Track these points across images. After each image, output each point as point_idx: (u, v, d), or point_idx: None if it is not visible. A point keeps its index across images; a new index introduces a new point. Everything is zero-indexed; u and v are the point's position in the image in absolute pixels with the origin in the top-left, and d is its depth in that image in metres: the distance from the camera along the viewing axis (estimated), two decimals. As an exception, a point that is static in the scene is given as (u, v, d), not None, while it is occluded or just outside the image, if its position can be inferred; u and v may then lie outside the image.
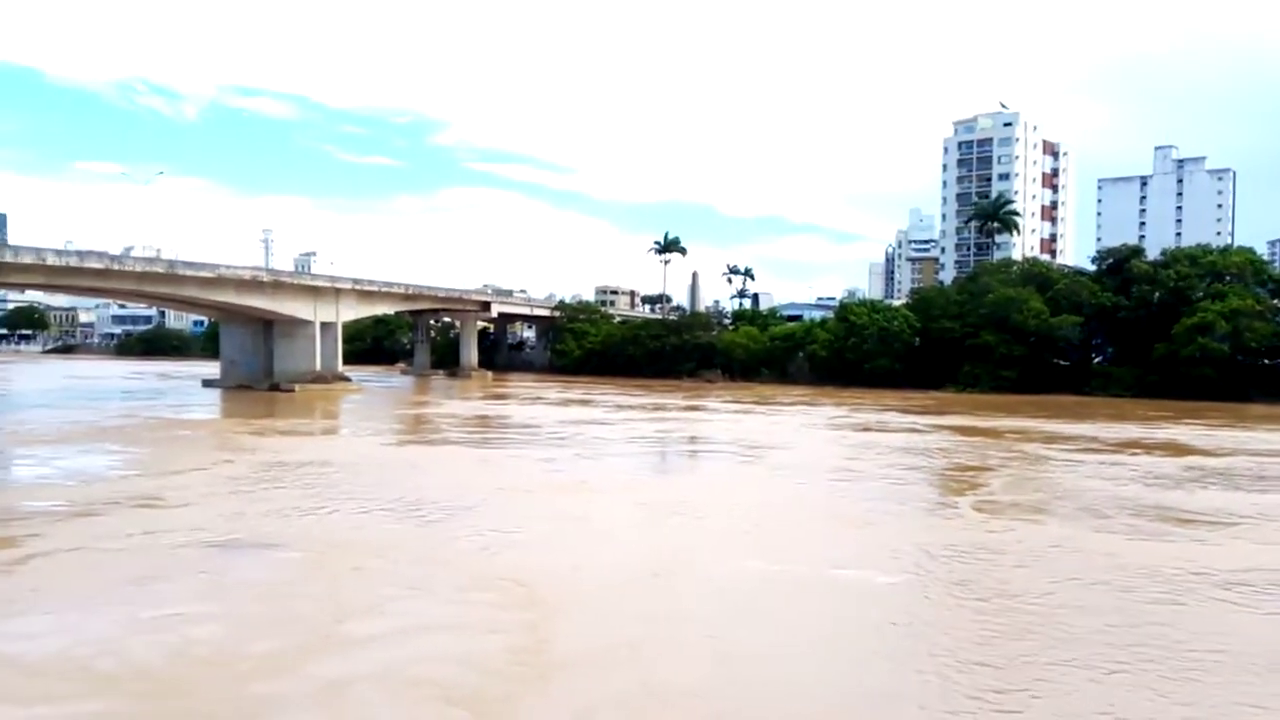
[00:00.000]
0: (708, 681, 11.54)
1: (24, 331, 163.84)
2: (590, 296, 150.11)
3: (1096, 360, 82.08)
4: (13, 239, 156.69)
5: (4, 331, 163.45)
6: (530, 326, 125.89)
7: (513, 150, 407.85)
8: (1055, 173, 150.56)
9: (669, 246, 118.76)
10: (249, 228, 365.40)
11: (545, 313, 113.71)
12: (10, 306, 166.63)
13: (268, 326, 70.12)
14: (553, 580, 16.26)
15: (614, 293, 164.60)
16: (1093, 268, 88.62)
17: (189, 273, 60.23)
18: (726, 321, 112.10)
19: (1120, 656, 12.63)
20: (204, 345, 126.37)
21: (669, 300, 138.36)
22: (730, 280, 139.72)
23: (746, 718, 10.56)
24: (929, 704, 11.01)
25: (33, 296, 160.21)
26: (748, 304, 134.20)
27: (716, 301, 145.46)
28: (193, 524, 20.34)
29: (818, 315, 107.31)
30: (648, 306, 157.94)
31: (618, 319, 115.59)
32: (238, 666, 12.00)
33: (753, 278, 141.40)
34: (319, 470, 29.32)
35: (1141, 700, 11.27)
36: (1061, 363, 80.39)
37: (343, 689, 11.24)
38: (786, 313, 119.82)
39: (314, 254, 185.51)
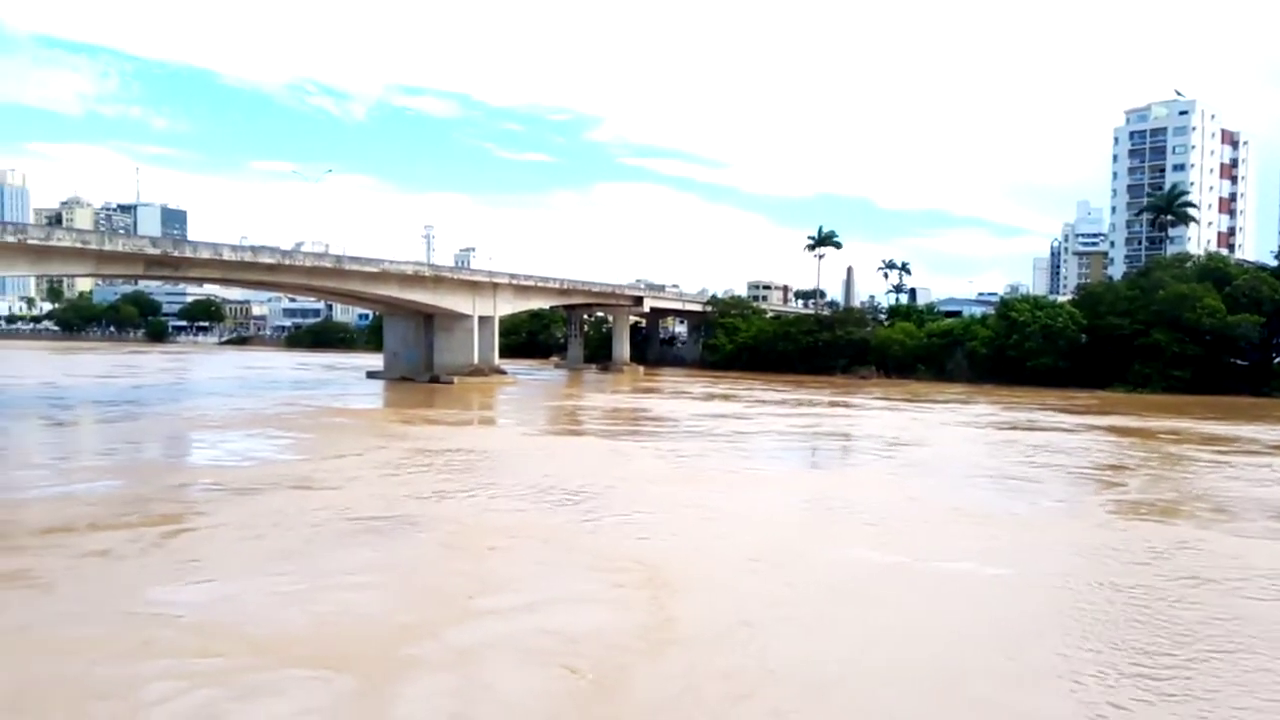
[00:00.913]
0: (809, 660, 12.41)
1: (202, 324, 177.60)
2: (742, 291, 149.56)
3: (1278, 361, 75.83)
4: (191, 235, 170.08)
5: (184, 323, 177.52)
6: (682, 321, 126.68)
7: (666, 145, 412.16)
8: (1234, 163, 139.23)
9: (823, 241, 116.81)
10: (411, 223, 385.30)
11: (697, 308, 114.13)
12: (190, 299, 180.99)
13: (428, 320, 73.45)
14: (674, 562, 17.06)
15: (766, 288, 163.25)
16: (1275, 263, 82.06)
17: (354, 268, 63.76)
18: (882, 317, 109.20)
19: (1207, 652, 12.73)
20: (368, 338, 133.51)
21: (823, 295, 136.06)
22: (886, 275, 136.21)
23: (840, 694, 11.47)
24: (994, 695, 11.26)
25: (210, 290, 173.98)
26: (904, 299, 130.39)
27: (872, 297, 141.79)
28: (343, 504, 21.82)
29: (978, 311, 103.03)
30: (800, 302, 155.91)
31: (770, 314, 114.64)
32: (381, 633, 13.02)
33: (909, 272, 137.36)
34: (464, 457, 30.91)
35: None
36: (1239, 363, 74.65)
37: (475, 654, 12.35)
38: (945, 308, 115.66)
39: (473, 249, 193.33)
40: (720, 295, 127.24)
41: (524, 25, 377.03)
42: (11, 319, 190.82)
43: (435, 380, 69.03)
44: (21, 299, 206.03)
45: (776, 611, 14.34)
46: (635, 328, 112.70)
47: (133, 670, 11.58)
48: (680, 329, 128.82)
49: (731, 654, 12.36)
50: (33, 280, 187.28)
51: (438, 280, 70.48)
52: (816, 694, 11.33)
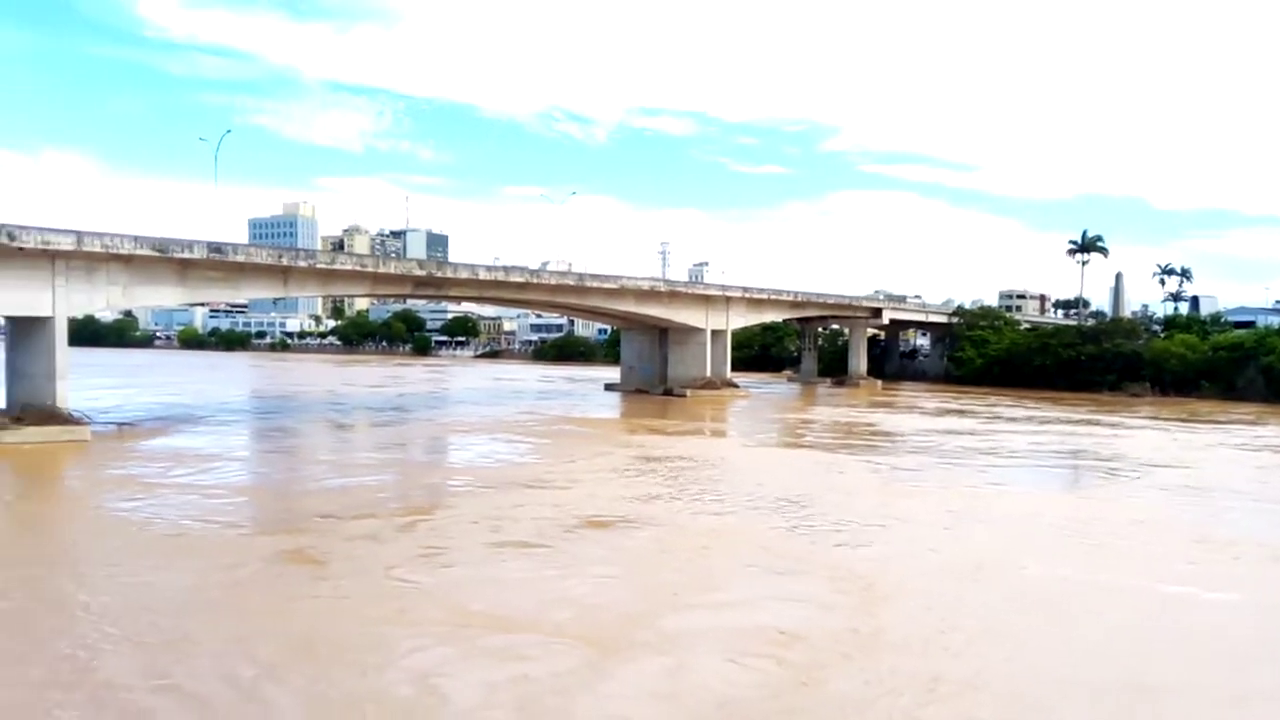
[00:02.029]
0: (1010, 673, 13.00)
1: (460, 338, 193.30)
2: (992, 301, 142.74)
3: None
4: (452, 257, 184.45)
5: (444, 338, 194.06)
6: (924, 334, 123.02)
7: (907, 150, 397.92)
8: None
9: (1087, 246, 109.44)
10: (648, 240, 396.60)
11: (940, 319, 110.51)
12: (450, 316, 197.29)
13: (663, 334, 76.48)
14: (882, 570, 17.88)
15: (1020, 297, 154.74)
16: None
17: (594, 284, 67.67)
18: (1156, 328, 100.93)
19: None
20: (606, 351, 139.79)
21: (1086, 305, 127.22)
22: (1163, 281, 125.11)
23: (1034, 706, 11.91)
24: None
25: (467, 307, 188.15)
26: (1184, 308, 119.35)
27: (1145, 306, 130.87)
28: (571, 503, 24.35)
29: (1276, 321, 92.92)
30: (1060, 312, 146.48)
31: (1024, 325, 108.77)
32: (598, 619, 14.86)
33: (1190, 279, 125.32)
34: (687, 464, 32.78)
35: None
36: None
37: (686, 641, 13.85)
38: (1235, 318, 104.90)
39: (706, 264, 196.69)
40: (967, 305, 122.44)
41: (760, 41, 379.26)
42: (302, 334, 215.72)
43: (669, 393, 71.65)
44: (310, 317, 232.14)
45: (981, 623, 14.83)
46: (873, 340, 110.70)
47: (390, 631, 14.05)
48: (922, 342, 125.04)
49: (933, 660, 13.10)
50: (320, 300, 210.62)
51: (672, 295, 73.20)
52: (1012, 705, 11.82)
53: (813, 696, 11.92)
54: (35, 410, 36.38)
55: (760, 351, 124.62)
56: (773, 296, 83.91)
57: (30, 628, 14.15)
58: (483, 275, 59.13)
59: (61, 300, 37.71)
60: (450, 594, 16.19)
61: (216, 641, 13.46)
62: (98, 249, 37.87)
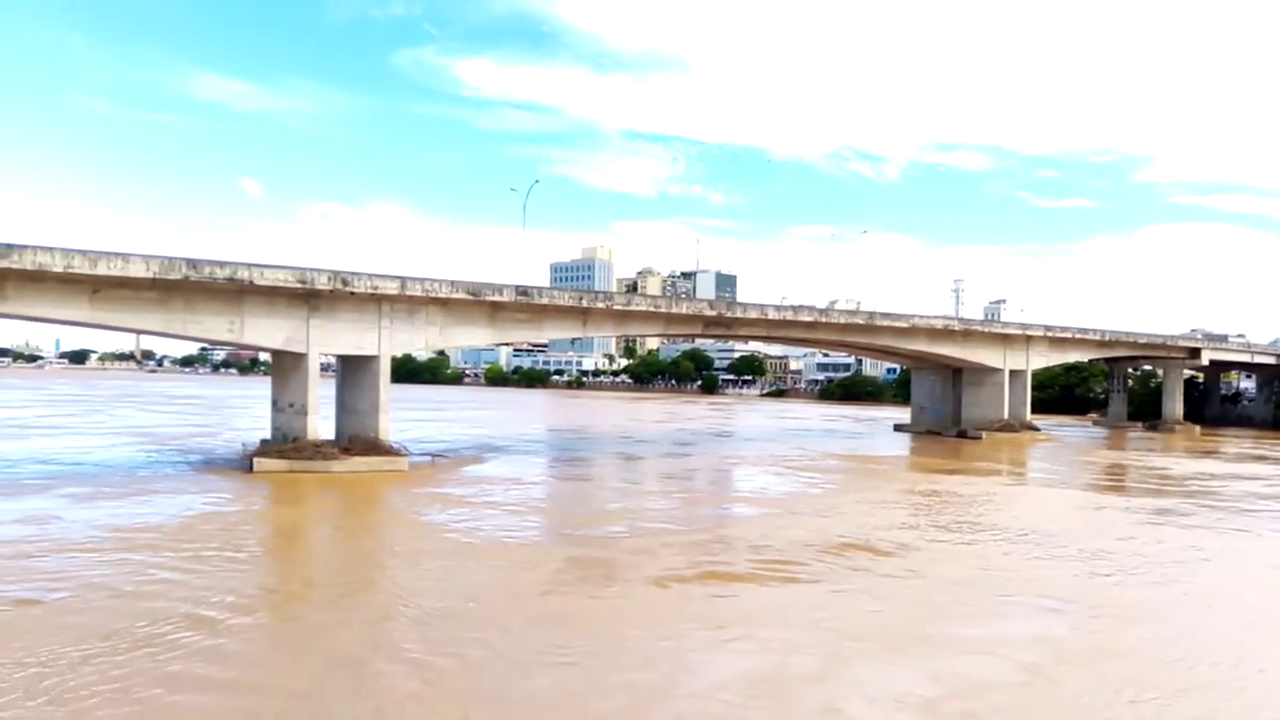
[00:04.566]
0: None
1: (746, 377, 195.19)
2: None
3: None
4: (740, 298, 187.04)
5: (731, 377, 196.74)
6: (1248, 376, 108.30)
7: (1229, 180, 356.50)
8: None
9: None
10: (940, 278, 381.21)
11: (1269, 359, 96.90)
12: (736, 355, 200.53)
13: (956, 374, 72.86)
14: (1133, 601, 18.69)
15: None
16: None
17: (885, 323, 65.84)
18: None
19: None
20: (895, 392, 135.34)
21: None
22: None
23: None
24: None
25: (754, 346, 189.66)
26: None
27: None
28: (833, 529, 26.09)
29: None
30: None
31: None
32: (854, 643, 15.87)
33: None
34: (961, 501, 32.96)
35: None
36: None
37: (947, 647, 15.24)
38: None
39: (1003, 302, 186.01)
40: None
41: (1062, 70, 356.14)
42: (596, 373, 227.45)
43: (962, 435, 68.17)
44: (604, 355, 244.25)
45: (1213, 648, 15.64)
46: (1190, 383, 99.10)
47: (663, 624, 16.08)
48: (1247, 384, 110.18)
49: (1173, 674, 14.49)
50: (613, 340, 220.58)
51: (967, 334, 69.53)
52: None
53: (1055, 693, 13.39)
54: (361, 441, 40.71)
55: (1062, 393, 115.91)
56: (1077, 335, 77.60)
57: (369, 608, 17.58)
58: (771, 315, 59.07)
59: (386, 340, 42.07)
60: (715, 597, 18.23)
61: (512, 620, 16.25)
62: (418, 293, 41.85)
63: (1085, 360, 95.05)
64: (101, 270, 34.06)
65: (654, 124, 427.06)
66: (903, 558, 22.58)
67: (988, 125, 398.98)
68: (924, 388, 76.85)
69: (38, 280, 34.09)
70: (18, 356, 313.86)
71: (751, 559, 22.11)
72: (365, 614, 16.82)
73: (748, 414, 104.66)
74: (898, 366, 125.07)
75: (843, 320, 64.61)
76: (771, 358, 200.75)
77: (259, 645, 15.09)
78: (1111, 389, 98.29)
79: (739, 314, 58.62)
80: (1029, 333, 73.33)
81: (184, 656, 13.82)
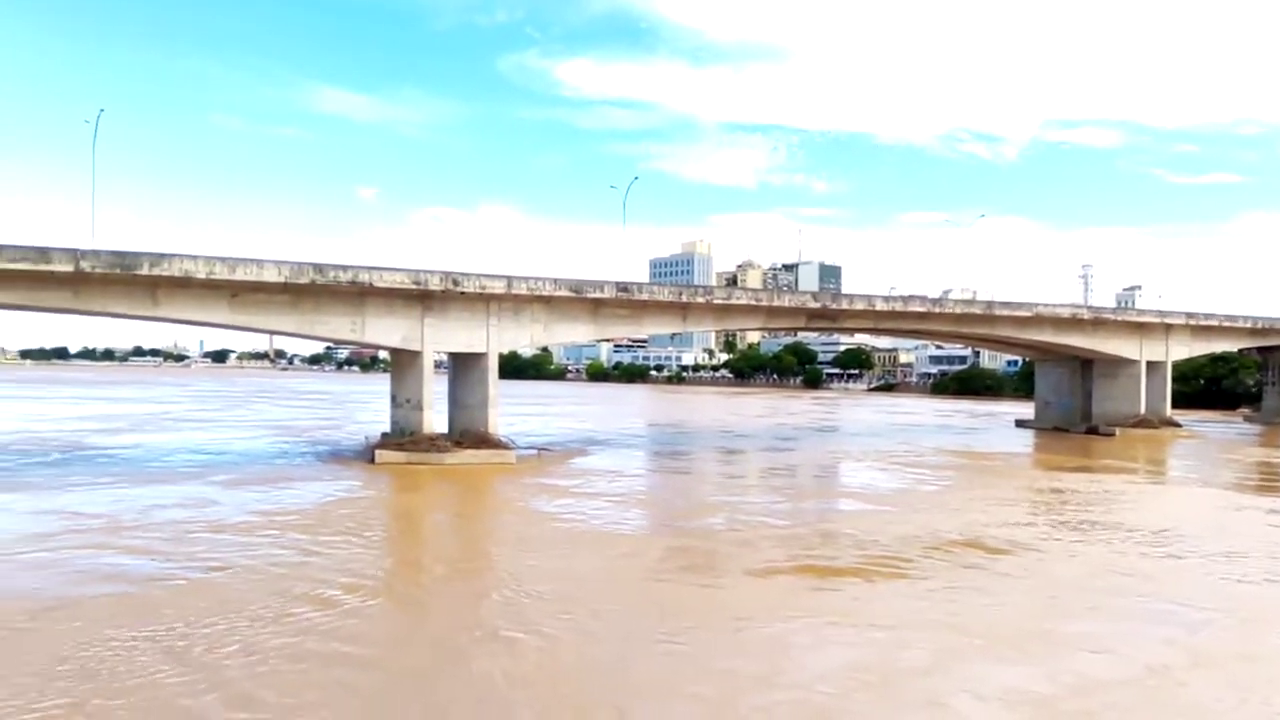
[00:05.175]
0: None
1: (852, 371, 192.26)
2: None
3: None
4: (845, 289, 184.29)
5: (836, 370, 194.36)
6: None
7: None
8: None
9: None
10: (1066, 263, 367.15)
11: None
12: (842, 348, 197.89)
13: (1085, 366, 70.32)
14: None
15: None
16: None
17: (1004, 312, 63.90)
18: None
19: None
20: (1016, 385, 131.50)
21: None
22: None
23: None
24: None
25: (860, 339, 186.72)
26: None
27: None
28: (945, 526, 25.88)
29: None
30: None
31: None
32: (964, 638, 15.87)
33: None
34: (1086, 500, 32.05)
35: None
36: None
37: (1065, 644, 15.12)
38: None
39: (1138, 288, 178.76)
40: None
41: (1202, 38, 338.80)
42: (696, 368, 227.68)
43: (1093, 431, 65.83)
44: (704, 350, 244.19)
45: None
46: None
47: (759, 612, 16.38)
48: None
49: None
50: (713, 334, 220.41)
51: (1096, 323, 66.93)
52: None
53: (1180, 691, 13.31)
54: (471, 435, 42.67)
55: (1207, 385, 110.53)
56: (1224, 323, 73.99)
57: (483, 586, 19.01)
58: (879, 306, 58.10)
59: (494, 337, 43.79)
60: (819, 590, 18.39)
61: (617, 604, 17.24)
62: (524, 291, 43.36)
63: (1234, 350, 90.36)
64: (239, 276, 37.68)
65: (753, 114, 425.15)
66: (1020, 556, 22.21)
67: (1116, 99, 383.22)
68: (1049, 381, 74.33)
69: (184, 286, 38.12)
70: (168, 356, 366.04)
71: (857, 554, 22.19)
72: (481, 593, 18.38)
73: (853, 409, 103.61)
74: (1019, 359, 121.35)
75: (958, 310, 62.94)
76: (879, 350, 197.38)
77: (385, 617, 16.86)
78: (1265, 381, 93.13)
79: (844, 305, 57.80)
80: (1168, 320, 70.12)
81: (319, 628, 15.44)
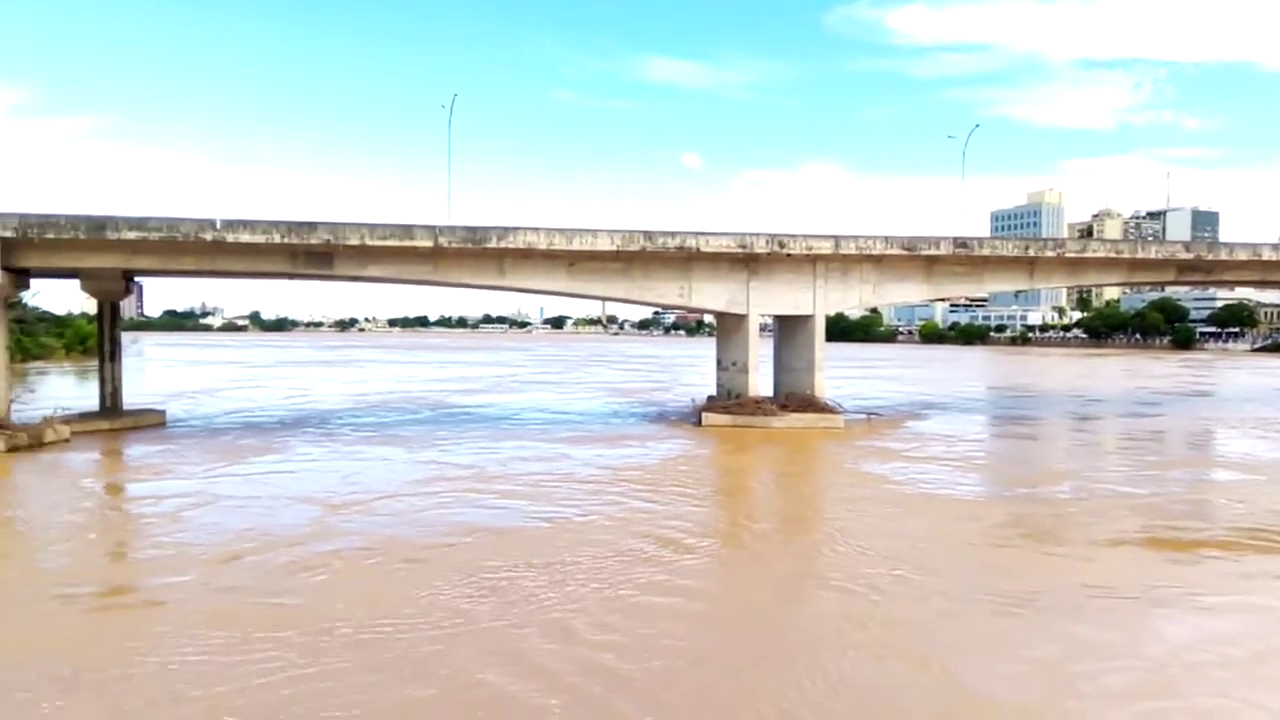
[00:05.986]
0: None
1: (1231, 329, 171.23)
2: None
3: None
4: (1222, 236, 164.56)
5: (1211, 329, 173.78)
6: None
7: None
8: None
9: None
10: None
11: None
12: (1219, 304, 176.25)
13: None
14: None
15: None
16: None
17: None
18: None
19: None
20: None
21: None
22: None
23: None
24: None
25: (1242, 294, 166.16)
26: None
27: None
28: None
29: None
30: None
31: None
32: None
33: None
34: None
35: None
36: None
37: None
38: None
39: None
40: None
41: None
42: (1044, 328, 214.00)
43: None
44: (1053, 309, 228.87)
45: None
46: None
47: (1137, 589, 16.01)
48: None
49: None
50: (1064, 291, 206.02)
51: None
52: None
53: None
54: (797, 398, 43.80)
55: None
56: None
57: (814, 540, 20.12)
58: (1266, 255, 51.98)
59: (820, 299, 44.42)
60: (1180, 563, 17.30)
61: (953, 565, 17.42)
62: (852, 251, 43.49)
63: None
64: (576, 245, 40.86)
65: (1112, 49, 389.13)
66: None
67: None
68: None
69: (527, 256, 41.90)
70: (512, 324, 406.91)
71: (1227, 527, 20.82)
72: (812, 546, 19.51)
73: (1231, 372, 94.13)
74: None
75: (1370, 256, 54.90)
76: (1266, 306, 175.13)
77: (725, 561, 18.48)
78: None
79: (1222, 256, 52.17)
80: None
81: (668, 566, 17.30)
